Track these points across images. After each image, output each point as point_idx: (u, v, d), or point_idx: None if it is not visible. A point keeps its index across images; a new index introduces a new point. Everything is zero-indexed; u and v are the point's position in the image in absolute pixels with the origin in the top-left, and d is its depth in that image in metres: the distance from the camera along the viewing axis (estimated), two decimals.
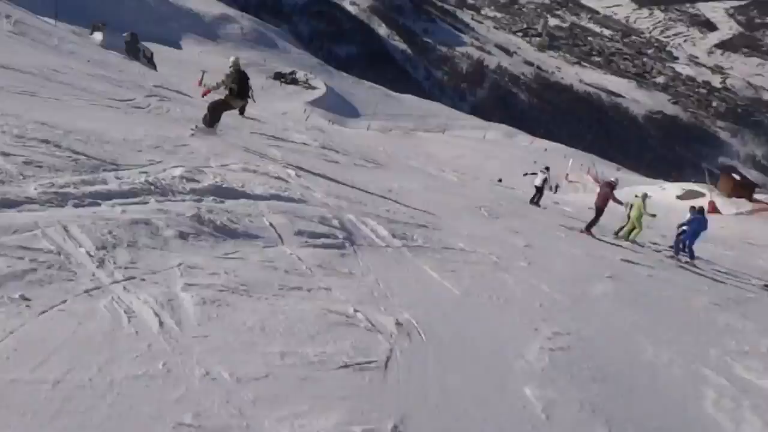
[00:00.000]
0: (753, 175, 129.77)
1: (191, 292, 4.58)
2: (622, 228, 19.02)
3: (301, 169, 12.01)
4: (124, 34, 41.85)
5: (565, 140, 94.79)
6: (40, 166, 5.99)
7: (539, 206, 22.64)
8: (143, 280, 4.55)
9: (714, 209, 19.43)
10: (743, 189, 39.93)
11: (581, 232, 17.45)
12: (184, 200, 6.69)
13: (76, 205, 5.45)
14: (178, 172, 7.58)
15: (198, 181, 7.53)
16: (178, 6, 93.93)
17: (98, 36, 38.72)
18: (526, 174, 26.49)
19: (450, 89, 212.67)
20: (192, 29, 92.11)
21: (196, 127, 12.14)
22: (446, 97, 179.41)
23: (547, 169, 23.94)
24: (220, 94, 12.63)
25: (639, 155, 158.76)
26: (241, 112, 14.33)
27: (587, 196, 40.08)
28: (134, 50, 44.55)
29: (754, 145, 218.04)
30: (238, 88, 12.28)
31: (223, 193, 7.45)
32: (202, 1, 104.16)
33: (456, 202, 16.57)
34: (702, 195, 37.36)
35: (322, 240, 7.25)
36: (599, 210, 17.80)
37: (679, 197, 37.81)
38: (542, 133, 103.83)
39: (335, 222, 8.18)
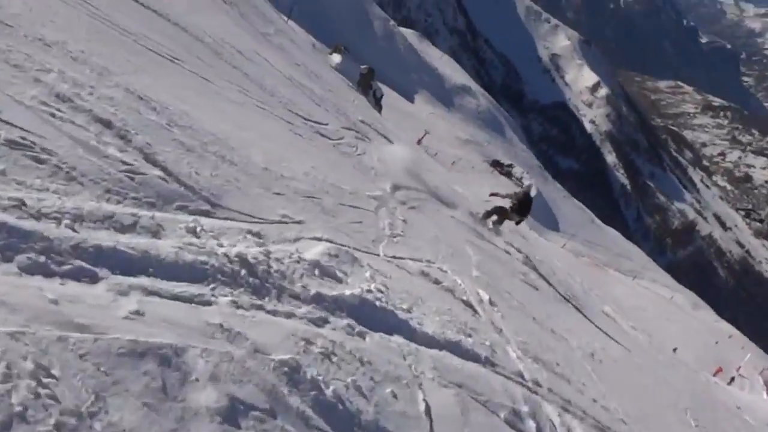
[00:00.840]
0: None
1: None
2: None
3: (497, 292, 8.61)
4: (363, 66, 40.52)
5: (747, 332, 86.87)
6: (37, 158, 2.97)
7: None
8: None
9: None
10: None
11: None
12: (290, 316, 3.46)
13: (31, 268, 2.36)
14: (315, 251, 4.42)
15: (339, 280, 4.33)
16: (425, 62, 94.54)
17: (336, 58, 37.49)
18: None
19: (654, 239, 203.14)
20: (429, 89, 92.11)
21: (479, 216, 14.47)
22: (647, 245, 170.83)
23: None
24: (503, 203, 14.75)
25: None
26: (517, 223, 15.81)
27: (750, 397, 36.24)
28: (366, 85, 43.24)
29: None
30: (520, 208, 14.59)
31: (370, 316, 4.18)
32: (449, 66, 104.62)
33: (659, 391, 12.83)
34: None
35: None
36: None
37: None
38: (728, 317, 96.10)
39: (530, 424, 4.72)
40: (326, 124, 9.83)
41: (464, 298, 6.50)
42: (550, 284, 15.06)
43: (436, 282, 6.27)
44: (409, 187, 11.25)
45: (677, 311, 71.74)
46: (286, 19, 24.11)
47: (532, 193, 19.03)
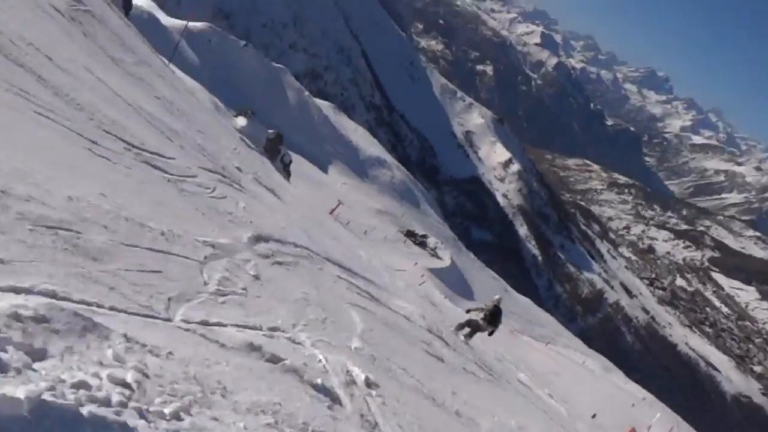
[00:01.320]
0: None
1: None
2: None
3: (386, 369, 6.56)
4: (270, 131, 38.79)
5: (654, 392, 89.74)
6: None
7: None
8: None
9: None
10: None
11: None
12: None
13: None
14: None
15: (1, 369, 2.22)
16: (340, 133, 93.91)
17: (241, 121, 35.75)
18: None
19: (565, 307, 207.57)
20: (344, 160, 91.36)
21: (451, 328, 15.56)
22: (559, 312, 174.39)
23: None
24: (475, 316, 16.14)
25: (716, 428, 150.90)
26: (490, 334, 16.61)
27: None
28: (274, 150, 41.45)
29: None
30: (491, 318, 15.90)
31: None
32: (364, 139, 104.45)
33: None
34: None
35: None
36: None
37: None
38: (637, 378, 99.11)
39: None
40: (172, 158, 7.71)
41: (318, 381, 4.42)
42: (457, 352, 13.10)
43: (273, 359, 4.18)
44: (284, 241, 9.19)
45: (590, 375, 71.31)
46: (167, 61, 21.89)
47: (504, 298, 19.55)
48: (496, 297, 16.78)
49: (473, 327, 16.09)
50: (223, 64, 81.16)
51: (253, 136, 38.19)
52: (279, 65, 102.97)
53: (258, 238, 7.87)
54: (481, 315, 16.30)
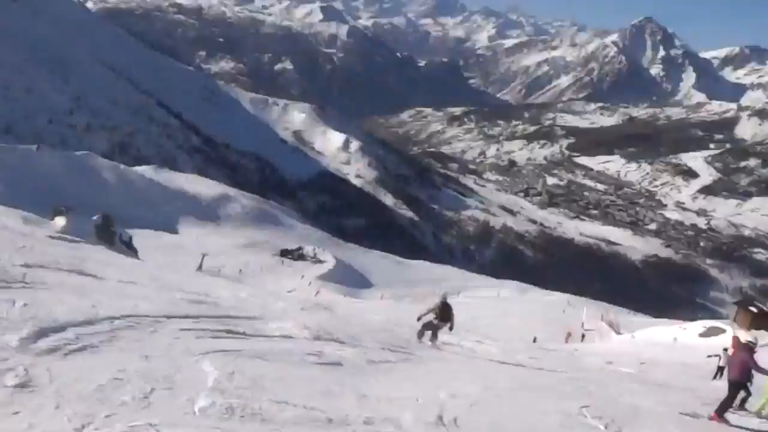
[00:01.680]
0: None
1: None
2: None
3: (254, 411, 5.05)
4: (94, 217, 35.88)
5: (572, 291, 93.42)
6: None
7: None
8: None
9: (739, 344, 17.36)
10: (762, 320, 38.41)
11: (712, 418, 11.55)
12: None
13: None
14: None
15: None
16: (171, 189, 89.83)
17: (60, 221, 32.92)
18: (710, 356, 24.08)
19: (459, 252, 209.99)
20: (189, 212, 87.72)
21: (418, 339, 16.05)
22: (455, 259, 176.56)
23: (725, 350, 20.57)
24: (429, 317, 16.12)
25: (640, 297, 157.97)
26: (450, 329, 16.65)
27: (606, 344, 40.23)
28: (108, 234, 38.49)
29: (740, 278, 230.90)
30: (442, 314, 15.98)
31: None
32: (199, 184, 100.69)
33: (546, 402, 9.64)
34: (723, 331, 35.81)
35: None
36: (737, 386, 12.15)
37: (701, 335, 37.11)
38: (553, 286, 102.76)
39: None
40: None
41: None
42: (359, 347, 11.67)
43: None
44: (93, 321, 7.47)
45: (508, 303, 71.72)
46: None
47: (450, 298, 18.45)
48: (442, 293, 16.97)
49: (432, 329, 16.24)
50: (22, 175, 76.09)
51: (78, 230, 35.18)
52: (83, 152, 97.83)
53: (42, 333, 6.15)
54: (433, 315, 16.32)
